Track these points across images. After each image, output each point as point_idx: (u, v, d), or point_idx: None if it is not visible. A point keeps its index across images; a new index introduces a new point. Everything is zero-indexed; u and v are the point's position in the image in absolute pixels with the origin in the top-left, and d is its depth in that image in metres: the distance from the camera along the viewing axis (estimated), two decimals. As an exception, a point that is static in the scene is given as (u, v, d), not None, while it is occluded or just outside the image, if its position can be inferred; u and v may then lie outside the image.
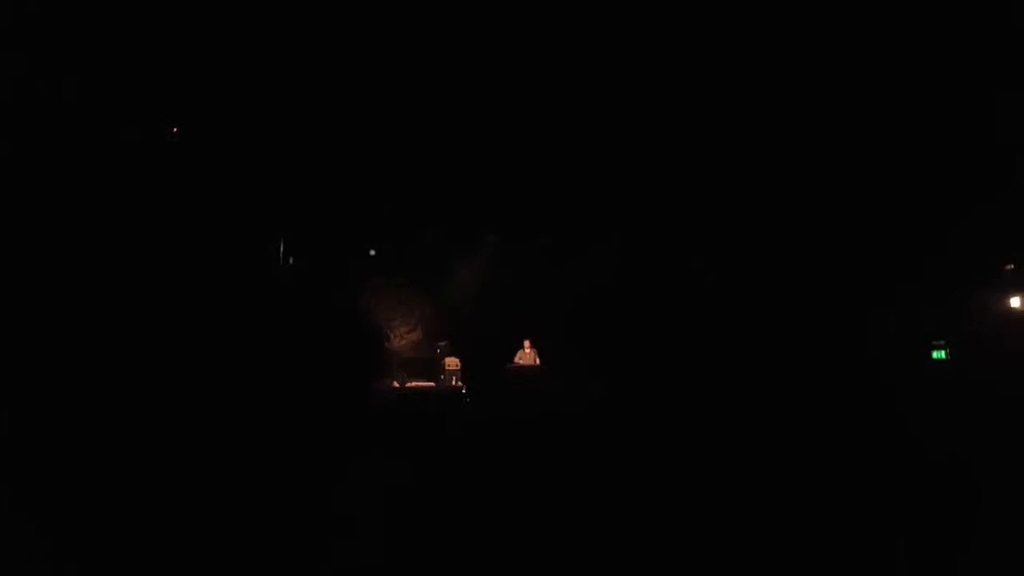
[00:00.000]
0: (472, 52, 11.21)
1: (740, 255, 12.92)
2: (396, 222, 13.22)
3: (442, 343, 13.42)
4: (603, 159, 12.43)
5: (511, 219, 13.21)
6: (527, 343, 12.65)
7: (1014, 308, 11.35)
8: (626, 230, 13.34)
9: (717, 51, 10.87)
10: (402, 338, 14.19)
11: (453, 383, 12.68)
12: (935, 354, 11.67)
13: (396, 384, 12.55)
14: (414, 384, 12.60)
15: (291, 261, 11.99)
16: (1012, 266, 11.57)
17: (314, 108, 11.58)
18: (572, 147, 12.30)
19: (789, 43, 10.84)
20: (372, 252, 13.29)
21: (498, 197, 12.94)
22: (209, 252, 9.78)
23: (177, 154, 10.56)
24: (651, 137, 12.34)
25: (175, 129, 11.03)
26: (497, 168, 12.50)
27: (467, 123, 12.33)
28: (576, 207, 13.02)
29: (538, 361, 12.62)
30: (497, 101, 12.11)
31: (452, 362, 13.00)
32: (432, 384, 12.74)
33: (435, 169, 12.53)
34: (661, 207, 13.02)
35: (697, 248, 13.24)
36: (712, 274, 12.99)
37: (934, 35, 10.50)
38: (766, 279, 12.87)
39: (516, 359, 12.65)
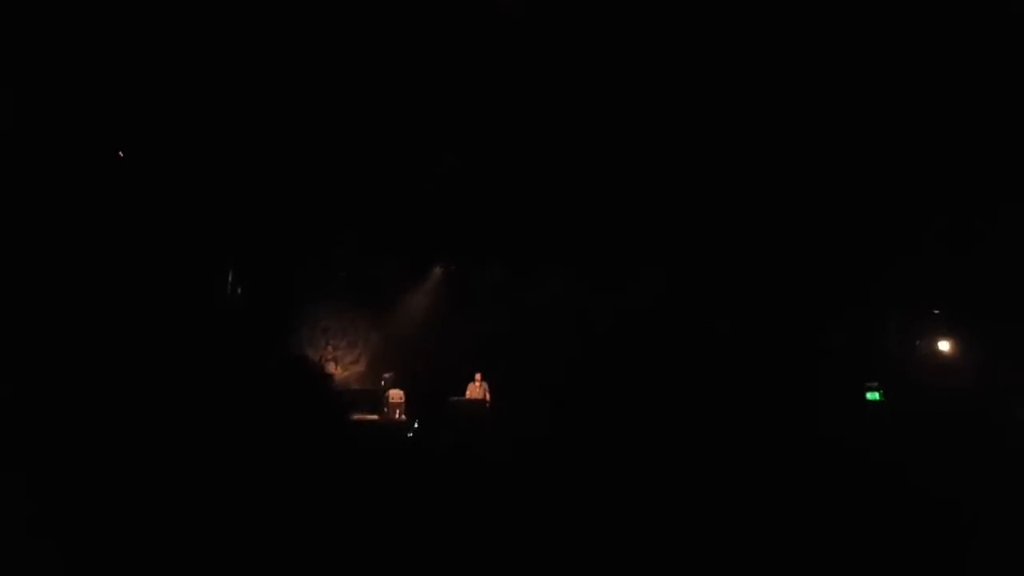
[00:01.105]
0: (426, 82, 11.24)
1: (687, 289, 13.14)
2: (346, 250, 13.06)
3: (387, 375, 13.21)
4: (555, 188, 12.54)
5: (463, 249, 13.20)
6: (478, 376, 12.58)
7: (942, 351, 11.89)
8: (577, 258, 13.41)
9: (675, 82, 11.07)
10: (346, 368, 13.94)
11: (397, 416, 12.47)
12: (869, 395, 12.08)
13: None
14: (358, 417, 12.34)
15: (239, 291, 11.68)
16: (938, 311, 12.14)
17: (267, 130, 11.43)
18: (524, 176, 12.39)
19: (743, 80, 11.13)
20: (343, 274, 13.01)
21: (450, 227, 12.93)
22: (155, 278, 9.47)
23: (123, 176, 10.25)
24: (597, 166, 12.51)
25: (119, 153, 10.72)
26: (452, 198, 12.47)
27: (419, 149, 12.30)
28: (528, 237, 13.06)
29: (488, 395, 12.54)
30: (451, 130, 12.15)
31: (396, 394, 12.78)
32: (376, 417, 12.50)
33: (389, 198, 12.44)
34: (608, 236, 13.15)
35: (641, 284, 13.42)
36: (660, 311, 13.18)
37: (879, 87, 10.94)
38: (709, 314, 13.13)
39: (467, 392, 12.54)
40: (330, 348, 12.85)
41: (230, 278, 11.59)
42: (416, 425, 12.32)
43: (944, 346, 11.91)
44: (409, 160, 12.03)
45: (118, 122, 10.47)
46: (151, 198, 10.66)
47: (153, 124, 10.81)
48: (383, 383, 13.01)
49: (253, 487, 6.82)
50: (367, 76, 10.79)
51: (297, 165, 11.66)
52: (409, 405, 12.65)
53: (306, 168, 11.78)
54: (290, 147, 11.39)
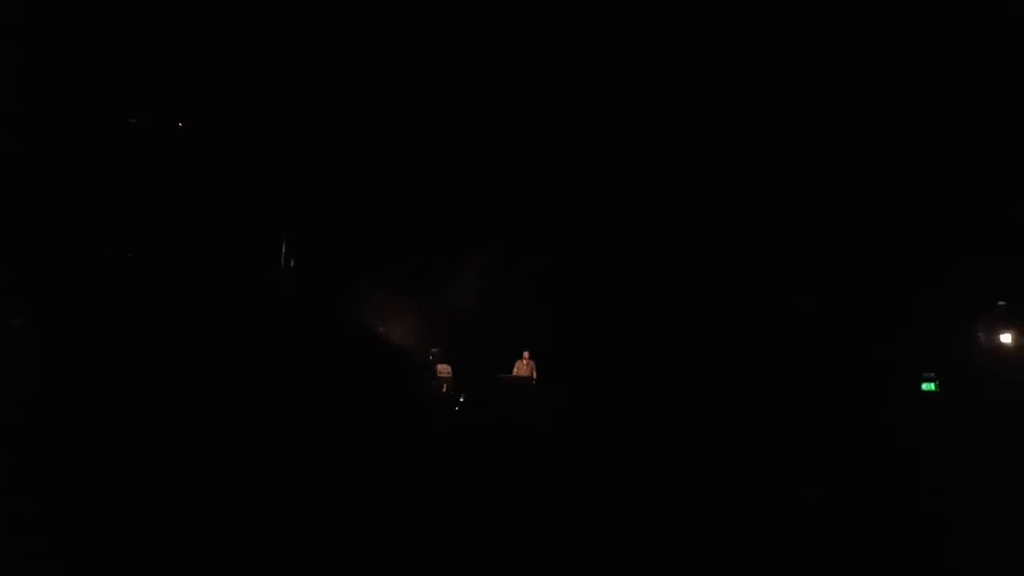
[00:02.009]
0: (478, 58, 11.36)
1: (743, 276, 13.00)
2: (400, 228, 13.24)
3: (434, 349, 13.37)
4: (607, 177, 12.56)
5: (516, 231, 13.28)
6: (526, 354, 12.64)
7: (1004, 343, 11.48)
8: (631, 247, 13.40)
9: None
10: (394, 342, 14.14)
11: (444, 390, 12.65)
12: (925, 385, 11.78)
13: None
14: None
15: (292, 263, 11.96)
16: (1004, 303, 11.71)
17: (325, 112, 11.68)
18: (579, 163, 12.44)
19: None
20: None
21: (505, 210, 13.04)
22: (213, 249, 9.79)
23: (184, 148, 10.58)
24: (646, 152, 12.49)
25: (181, 124, 11.06)
26: (508, 181, 12.58)
27: (475, 134, 12.45)
28: (579, 225, 13.10)
29: (535, 373, 12.61)
30: (502, 113, 12.24)
31: (444, 369, 12.96)
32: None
33: (443, 177, 12.60)
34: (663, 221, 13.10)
35: (698, 266, 13.32)
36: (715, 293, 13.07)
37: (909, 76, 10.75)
38: (764, 302, 12.96)
39: (514, 369, 12.63)
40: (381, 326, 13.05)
41: (283, 249, 11.87)
42: (462, 399, 12.49)
43: (1006, 338, 11.51)
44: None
45: (183, 93, 10.82)
46: (213, 169, 11.00)
47: (212, 94, 11.13)
48: (431, 357, 13.17)
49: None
50: (420, 63, 11.00)
51: (351, 141, 11.88)
52: (455, 380, 12.82)
53: (359, 144, 12.00)
54: (343, 126, 11.61)
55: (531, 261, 13.41)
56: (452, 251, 13.72)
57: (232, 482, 5.99)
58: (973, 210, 11.74)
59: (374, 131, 12.55)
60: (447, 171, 12.98)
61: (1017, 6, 10.09)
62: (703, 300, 12.99)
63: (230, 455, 6.51)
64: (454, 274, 13.81)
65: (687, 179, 12.85)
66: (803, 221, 12.81)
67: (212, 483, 5.91)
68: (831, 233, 12.76)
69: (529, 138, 12.79)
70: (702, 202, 12.98)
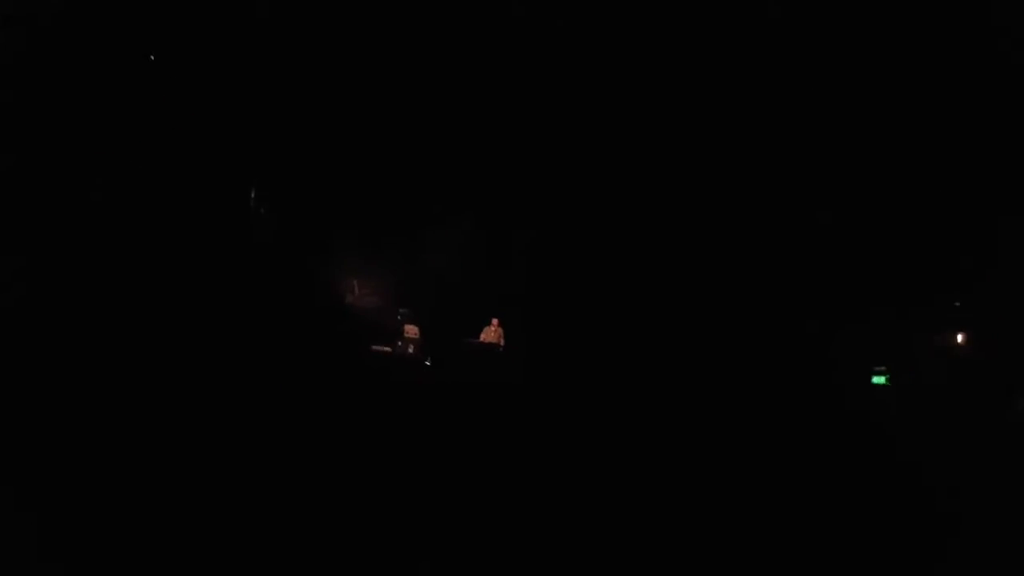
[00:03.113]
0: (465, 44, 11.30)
1: (708, 261, 13.22)
2: (375, 187, 13.11)
3: (403, 309, 13.35)
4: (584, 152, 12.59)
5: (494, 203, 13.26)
6: (495, 321, 12.69)
7: (956, 343, 11.97)
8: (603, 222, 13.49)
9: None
10: (362, 299, 14.07)
11: (411, 350, 12.67)
12: (875, 379, 12.21)
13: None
14: (375, 348, 12.55)
15: (263, 211, 11.73)
16: (959, 304, 12.18)
17: (300, 59, 11.43)
18: (558, 137, 12.44)
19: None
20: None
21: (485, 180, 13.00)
22: (182, 192, 9.50)
23: (153, 82, 10.18)
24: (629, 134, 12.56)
25: (151, 56, 10.64)
26: (487, 147, 12.53)
27: (454, 98, 12.34)
28: (559, 199, 13.13)
29: (502, 340, 12.70)
30: (478, 80, 12.16)
31: (411, 330, 12.95)
32: (388, 349, 12.69)
33: (421, 138, 12.48)
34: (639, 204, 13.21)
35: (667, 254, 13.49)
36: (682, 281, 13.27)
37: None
38: (727, 290, 13.22)
39: (482, 335, 12.70)
40: (354, 281, 12.96)
41: (253, 195, 11.61)
42: (427, 363, 12.54)
43: (959, 339, 12.00)
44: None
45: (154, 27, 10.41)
46: (183, 107, 10.65)
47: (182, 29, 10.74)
48: (399, 317, 13.15)
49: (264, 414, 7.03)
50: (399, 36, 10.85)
51: (326, 94, 11.68)
52: (423, 341, 12.84)
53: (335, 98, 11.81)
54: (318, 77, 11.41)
55: (508, 229, 13.44)
56: (428, 213, 13.64)
57: (191, 443, 5.89)
58: (929, 211, 12.09)
59: (353, 83, 12.33)
60: (426, 131, 12.83)
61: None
62: (673, 278, 13.18)
63: (189, 416, 6.39)
64: (429, 236, 13.75)
65: (657, 157, 12.94)
66: (759, 213, 13.03)
67: (169, 444, 5.79)
68: (789, 228, 13.00)
69: (508, 107, 12.71)
70: (673, 180, 13.08)
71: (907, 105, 11.67)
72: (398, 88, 12.44)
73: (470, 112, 12.54)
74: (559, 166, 12.85)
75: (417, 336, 12.86)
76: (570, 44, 11.98)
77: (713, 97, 12.01)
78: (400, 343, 12.79)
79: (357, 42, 11.91)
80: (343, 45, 11.87)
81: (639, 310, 12.99)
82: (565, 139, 12.57)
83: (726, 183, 12.74)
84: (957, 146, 11.70)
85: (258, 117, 11.54)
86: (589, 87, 12.36)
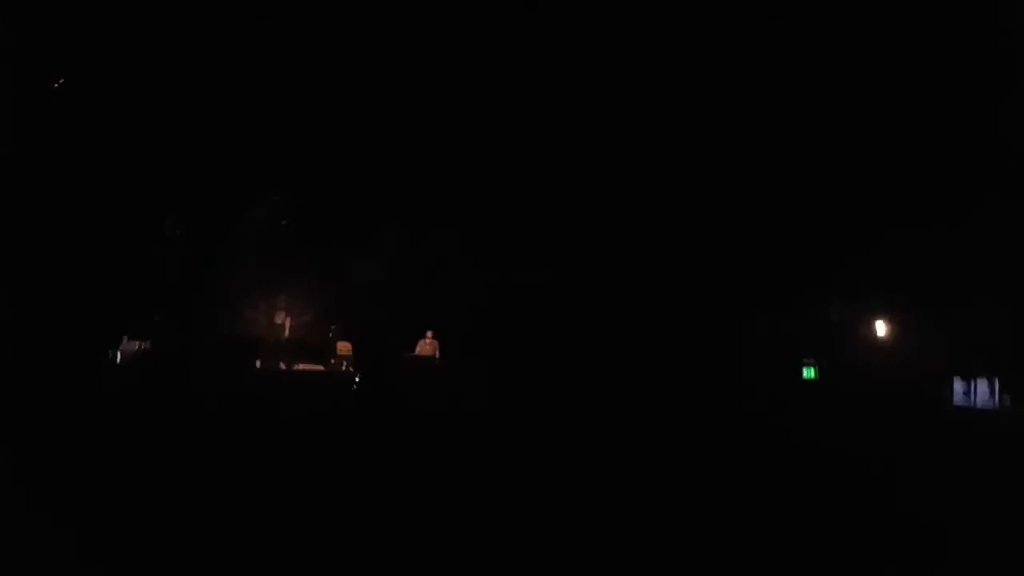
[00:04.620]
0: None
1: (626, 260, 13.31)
2: (297, 200, 12.78)
3: (334, 326, 13.03)
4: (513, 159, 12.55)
5: (417, 210, 13.06)
6: (429, 334, 12.49)
7: (878, 334, 12.32)
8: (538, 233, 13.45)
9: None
10: (294, 319, 13.69)
11: (344, 368, 12.37)
12: (805, 372, 12.49)
13: (283, 366, 12.11)
14: (304, 367, 12.20)
15: (178, 233, 11.29)
16: (878, 296, 12.55)
17: (217, 77, 11.08)
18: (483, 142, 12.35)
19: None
20: (283, 223, 12.70)
21: (405, 187, 12.80)
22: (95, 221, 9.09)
23: (61, 108, 9.73)
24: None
25: (59, 81, 10.16)
26: (408, 156, 12.36)
27: (377, 109, 12.15)
28: (489, 204, 13.02)
29: (438, 352, 12.51)
30: (401, 88, 12.00)
31: (344, 346, 12.65)
32: (321, 368, 12.37)
33: (346, 150, 12.24)
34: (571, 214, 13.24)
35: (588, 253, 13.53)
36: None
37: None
38: (646, 284, 13.34)
39: (417, 348, 12.49)
40: (283, 298, 12.56)
41: (168, 221, 11.18)
42: (358, 379, 12.26)
43: (881, 329, 12.35)
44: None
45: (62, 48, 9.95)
46: (95, 130, 10.20)
47: (96, 55, 10.31)
48: (330, 334, 12.83)
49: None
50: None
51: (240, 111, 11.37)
52: (355, 357, 12.56)
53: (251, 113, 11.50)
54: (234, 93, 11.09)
55: (439, 241, 13.24)
56: (356, 229, 13.37)
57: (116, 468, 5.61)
58: (856, 205, 12.41)
59: (273, 97, 12.01)
60: (351, 145, 12.59)
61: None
62: (611, 279, 13.24)
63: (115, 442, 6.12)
64: (357, 251, 13.46)
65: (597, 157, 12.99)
66: (693, 209, 13.21)
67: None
68: (721, 224, 13.22)
69: (436, 113, 12.58)
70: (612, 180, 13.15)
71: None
72: (319, 102, 12.19)
73: (392, 125, 12.35)
74: (485, 172, 12.75)
75: (349, 353, 12.57)
76: (504, 53, 11.92)
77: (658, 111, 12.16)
78: (333, 360, 12.49)
79: (280, 62, 11.62)
80: (267, 66, 11.58)
81: (567, 311, 13.00)
82: (488, 145, 12.48)
83: (660, 184, 12.86)
84: (877, 134, 12.00)
85: (181, 139, 11.17)
86: (521, 95, 12.35)
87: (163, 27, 10.24)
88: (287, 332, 12.89)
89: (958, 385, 11.23)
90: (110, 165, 10.31)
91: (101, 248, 9.01)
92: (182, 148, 11.29)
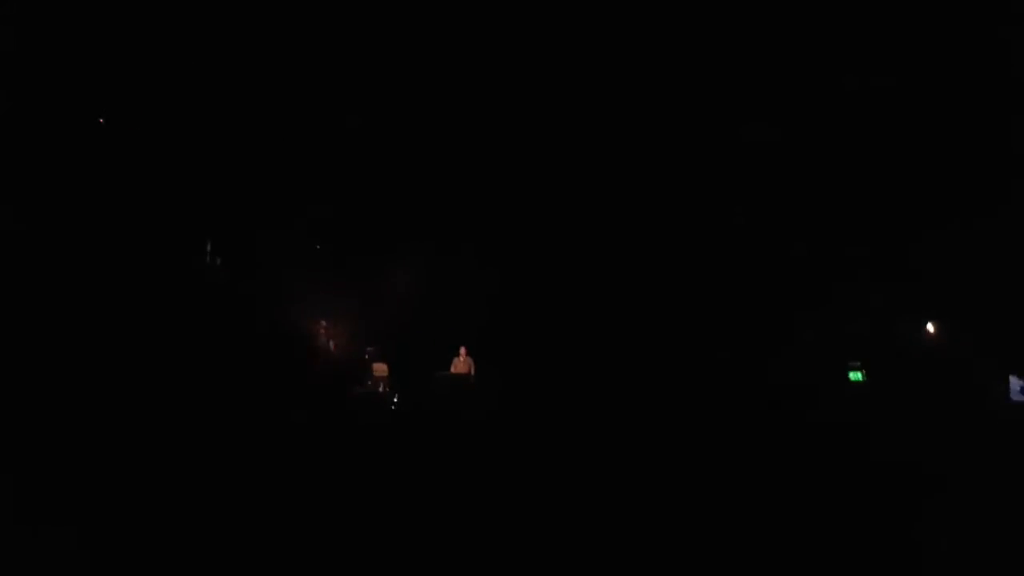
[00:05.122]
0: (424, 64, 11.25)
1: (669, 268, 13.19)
2: (330, 225, 12.94)
3: (370, 348, 13.11)
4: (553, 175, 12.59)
5: (449, 228, 13.13)
6: (463, 350, 12.44)
7: (929, 335, 11.94)
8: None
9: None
10: (334, 340, 13.79)
11: (381, 389, 12.42)
12: (852, 375, 12.13)
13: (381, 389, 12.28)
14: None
15: (218, 261, 11.46)
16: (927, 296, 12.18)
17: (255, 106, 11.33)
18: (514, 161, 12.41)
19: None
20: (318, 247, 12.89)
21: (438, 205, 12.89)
22: (133, 247, 9.27)
23: (103, 145, 10.00)
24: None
25: (101, 120, 10.46)
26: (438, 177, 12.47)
27: (402, 129, 12.29)
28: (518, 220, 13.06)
29: (473, 369, 12.46)
30: (432, 107, 12.10)
31: (380, 368, 12.72)
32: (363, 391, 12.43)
33: (379, 171, 12.40)
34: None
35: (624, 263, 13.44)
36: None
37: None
38: (692, 295, 13.19)
39: (452, 367, 12.46)
40: (323, 323, 12.68)
41: (208, 248, 11.36)
42: (396, 400, 12.29)
43: (930, 329, 11.99)
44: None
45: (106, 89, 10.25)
46: (135, 167, 10.45)
47: (134, 89, 10.60)
48: (367, 356, 12.91)
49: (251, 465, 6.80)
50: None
51: (272, 139, 11.58)
52: (392, 378, 12.59)
53: (281, 140, 11.70)
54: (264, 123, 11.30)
55: (467, 258, 13.28)
56: (389, 248, 13.48)
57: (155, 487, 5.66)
58: (901, 204, 12.17)
59: (307, 124, 12.25)
60: (383, 166, 12.74)
61: None
62: (639, 294, 13.12)
63: (156, 458, 6.18)
64: (390, 271, 13.56)
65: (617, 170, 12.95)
66: (733, 210, 13.06)
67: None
68: (764, 224, 13.04)
69: (466, 131, 12.66)
70: (632, 192, 13.09)
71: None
72: (346, 129, 12.39)
73: (422, 146, 12.46)
74: (515, 191, 12.78)
75: (386, 374, 12.62)
76: (520, 69, 11.98)
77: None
78: (370, 382, 12.55)
79: (307, 86, 11.83)
80: (291, 90, 11.79)
81: (607, 325, 12.89)
82: (520, 166, 12.52)
83: (683, 191, 12.76)
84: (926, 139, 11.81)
85: (214, 168, 11.41)
86: (544, 117, 12.40)
87: (197, 53, 10.50)
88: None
89: (1015, 382, 10.81)
90: (151, 199, 10.54)
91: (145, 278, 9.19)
92: (216, 177, 11.51)
